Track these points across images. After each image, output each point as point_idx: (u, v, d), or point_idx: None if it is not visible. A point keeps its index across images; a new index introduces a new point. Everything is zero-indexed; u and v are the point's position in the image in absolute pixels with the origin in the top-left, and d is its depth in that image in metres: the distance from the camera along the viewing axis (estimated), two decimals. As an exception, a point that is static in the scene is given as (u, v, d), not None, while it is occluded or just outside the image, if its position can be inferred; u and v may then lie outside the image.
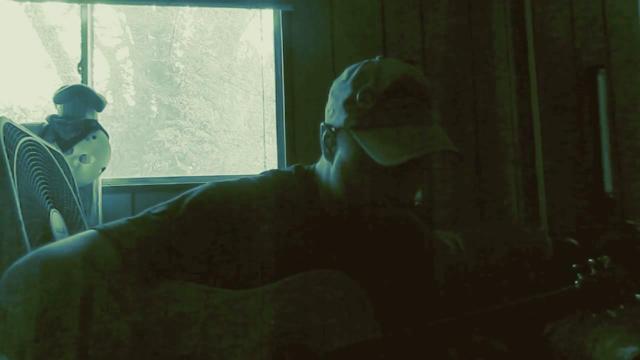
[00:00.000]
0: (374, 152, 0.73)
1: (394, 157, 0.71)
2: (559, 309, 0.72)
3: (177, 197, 0.78)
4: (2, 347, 0.59)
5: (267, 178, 0.86)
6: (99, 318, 0.62)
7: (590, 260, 0.71)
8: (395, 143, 0.73)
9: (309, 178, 0.88)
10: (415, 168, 0.78)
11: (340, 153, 0.80)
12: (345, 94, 0.79)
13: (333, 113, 0.81)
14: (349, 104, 0.78)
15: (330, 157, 0.82)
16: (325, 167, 0.85)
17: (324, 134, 0.83)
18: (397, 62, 0.81)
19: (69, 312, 0.61)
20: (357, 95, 0.76)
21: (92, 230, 0.70)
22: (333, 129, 0.81)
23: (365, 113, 0.75)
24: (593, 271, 0.70)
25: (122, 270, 0.67)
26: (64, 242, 0.69)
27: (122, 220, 0.73)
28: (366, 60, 0.82)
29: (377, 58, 0.82)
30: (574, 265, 0.71)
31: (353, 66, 0.82)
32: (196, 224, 0.74)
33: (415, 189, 0.81)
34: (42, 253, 0.65)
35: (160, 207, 0.77)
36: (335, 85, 0.84)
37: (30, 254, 0.65)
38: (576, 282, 0.70)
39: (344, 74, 0.82)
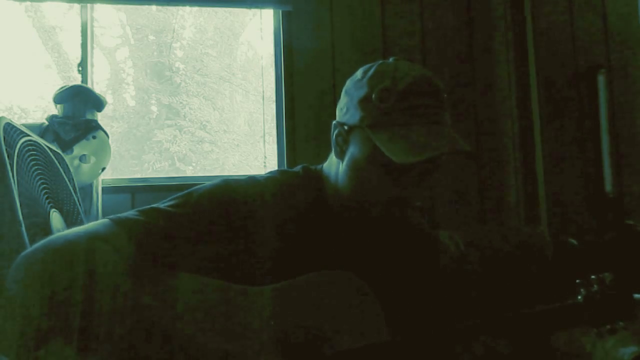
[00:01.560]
0: (390, 149, 0.73)
1: (410, 155, 0.72)
2: (561, 322, 0.72)
3: (185, 192, 0.79)
4: (2, 342, 0.60)
5: (275, 177, 0.87)
6: (107, 293, 0.63)
7: (592, 276, 0.71)
8: (411, 141, 0.73)
9: (316, 178, 0.88)
10: (427, 168, 0.78)
11: (352, 151, 0.80)
12: (361, 93, 0.79)
13: (347, 111, 0.81)
14: (364, 102, 0.78)
15: (341, 155, 0.82)
16: (333, 167, 0.85)
17: (335, 132, 0.83)
18: (411, 63, 0.81)
19: (74, 288, 0.61)
20: (374, 94, 0.76)
21: (104, 220, 0.72)
22: (346, 127, 0.81)
23: (382, 112, 0.76)
24: (595, 287, 0.70)
25: (133, 256, 0.68)
26: (75, 229, 0.70)
27: (131, 212, 0.74)
28: (380, 61, 0.82)
29: (391, 59, 0.83)
30: (577, 281, 0.72)
31: (367, 66, 0.82)
32: (204, 218, 0.75)
33: (424, 190, 0.81)
34: (49, 240, 0.66)
35: (168, 200, 0.78)
36: (349, 83, 0.84)
37: (39, 242, 0.66)
38: (579, 297, 0.71)
39: (359, 73, 0.83)
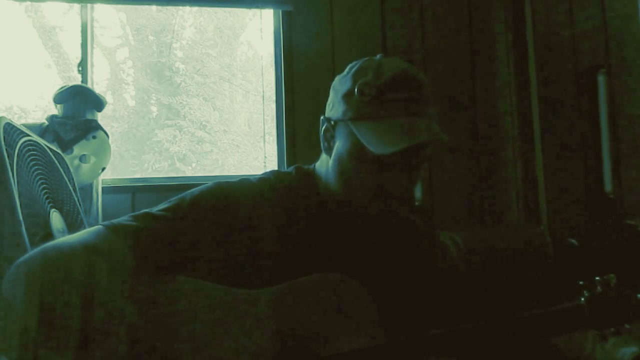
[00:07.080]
0: (368, 141, 0.74)
1: (386, 146, 0.73)
2: (563, 325, 0.71)
3: (178, 197, 0.79)
4: (2, 342, 0.59)
5: (267, 178, 0.87)
6: (102, 308, 0.62)
7: (597, 278, 0.70)
8: (388, 133, 0.74)
9: (309, 178, 0.88)
10: (410, 161, 0.78)
11: (337, 145, 0.81)
12: (345, 87, 0.81)
13: (333, 106, 0.83)
14: (348, 96, 0.80)
15: (328, 150, 0.84)
16: (324, 165, 0.86)
17: (323, 127, 0.84)
18: (398, 60, 0.83)
19: (71, 302, 0.61)
20: (356, 88, 0.78)
21: (98, 226, 0.71)
22: (332, 122, 0.83)
23: (363, 105, 0.77)
24: (599, 289, 0.69)
25: (128, 262, 0.67)
26: (69, 237, 0.69)
27: (125, 217, 0.74)
28: (367, 58, 0.84)
29: (378, 56, 0.84)
30: (580, 282, 0.70)
31: (354, 62, 0.84)
32: (197, 222, 0.75)
33: (409, 184, 0.81)
34: (46, 247, 0.66)
35: (161, 205, 0.77)
36: (336, 80, 0.86)
37: (36, 249, 0.66)
38: (582, 298, 0.69)
39: (346, 69, 0.85)
